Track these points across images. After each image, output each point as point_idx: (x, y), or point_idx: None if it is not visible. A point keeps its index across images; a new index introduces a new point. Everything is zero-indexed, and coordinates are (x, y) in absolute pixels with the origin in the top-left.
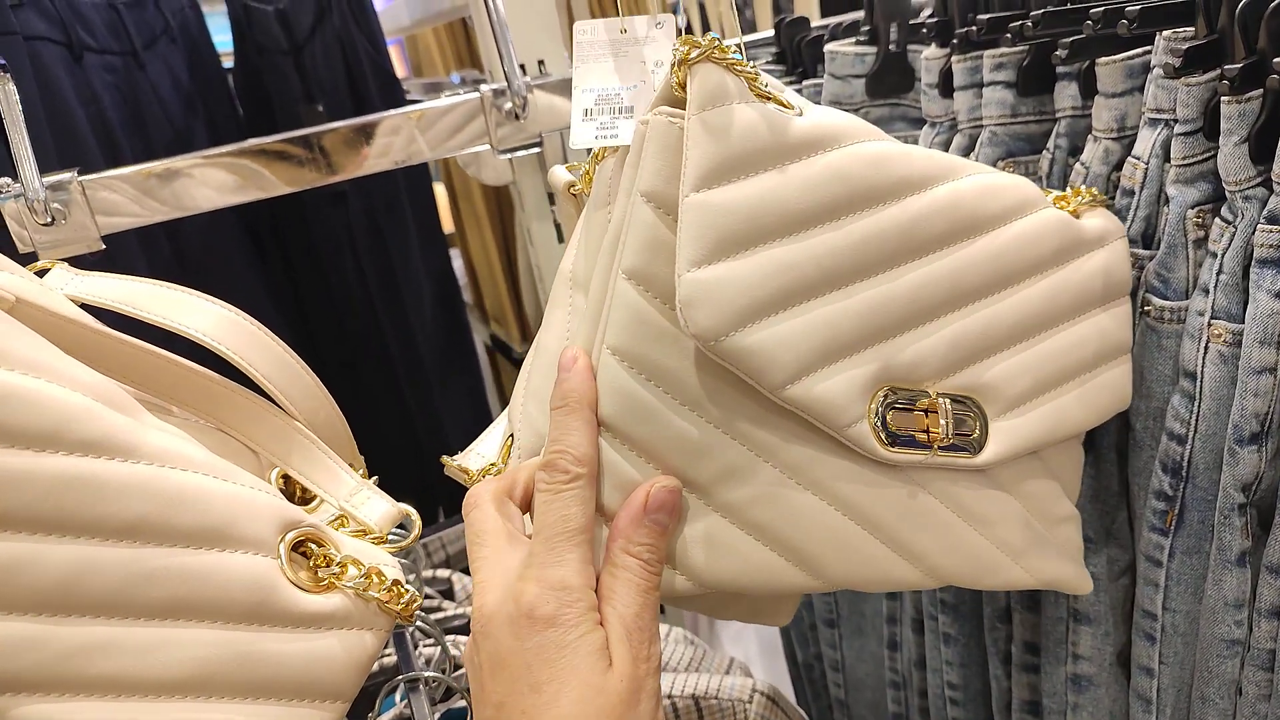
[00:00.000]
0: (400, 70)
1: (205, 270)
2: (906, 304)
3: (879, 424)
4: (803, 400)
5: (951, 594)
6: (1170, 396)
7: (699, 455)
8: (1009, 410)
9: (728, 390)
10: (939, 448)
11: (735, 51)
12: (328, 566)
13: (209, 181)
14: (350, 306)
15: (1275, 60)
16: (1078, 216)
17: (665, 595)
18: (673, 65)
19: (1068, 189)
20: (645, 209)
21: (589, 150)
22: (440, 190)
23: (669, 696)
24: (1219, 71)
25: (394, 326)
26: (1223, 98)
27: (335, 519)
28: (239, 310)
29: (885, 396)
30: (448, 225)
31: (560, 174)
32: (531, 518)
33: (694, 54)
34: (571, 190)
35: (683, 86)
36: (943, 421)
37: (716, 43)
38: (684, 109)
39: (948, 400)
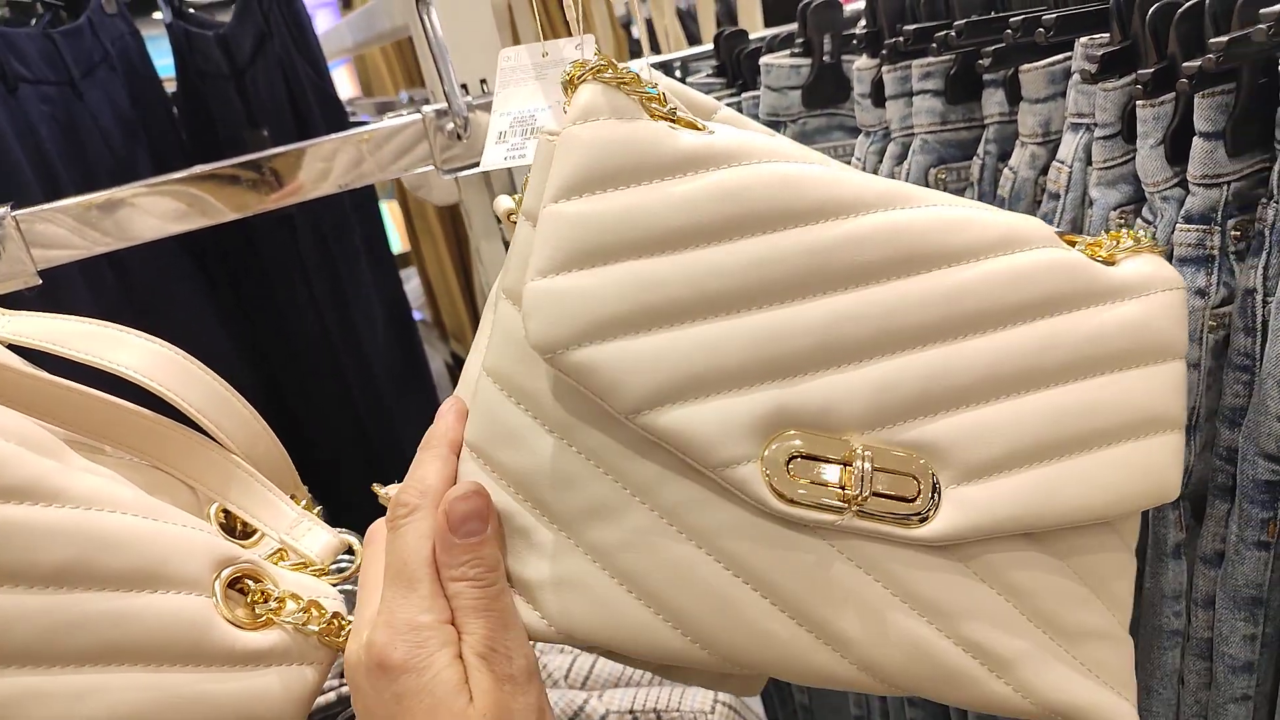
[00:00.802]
0: (351, 90)
1: (153, 301)
2: (819, 338)
3: (775, 472)
4: (664, 430)
5: None
6: None
7: (565, 487)
8: (972, 478)
9: (598, 417)
10: (856, 510)
11: (623, 75)
12: (265, 602)
13: (152, 210)
14: (303, 331)
15: (1184, 65)
16: (1113, 263)
17: (531, 632)
18: (564, 88)
19: (1104, 233)
20: (524, 227)
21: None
22: (395, 209)
23: (631, 711)
24: (1134, 76)
25: (347, 349)
26: (1138, 102)
27: (275, 552)
28: (169, 344)
29: (791, 441)
30: (404, 244)
31: (503, 203)
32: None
33: (579, 74)
34: (511, 218)
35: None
36: (858, 479)
37: (605, 62)
38: None
39: (869, 455)
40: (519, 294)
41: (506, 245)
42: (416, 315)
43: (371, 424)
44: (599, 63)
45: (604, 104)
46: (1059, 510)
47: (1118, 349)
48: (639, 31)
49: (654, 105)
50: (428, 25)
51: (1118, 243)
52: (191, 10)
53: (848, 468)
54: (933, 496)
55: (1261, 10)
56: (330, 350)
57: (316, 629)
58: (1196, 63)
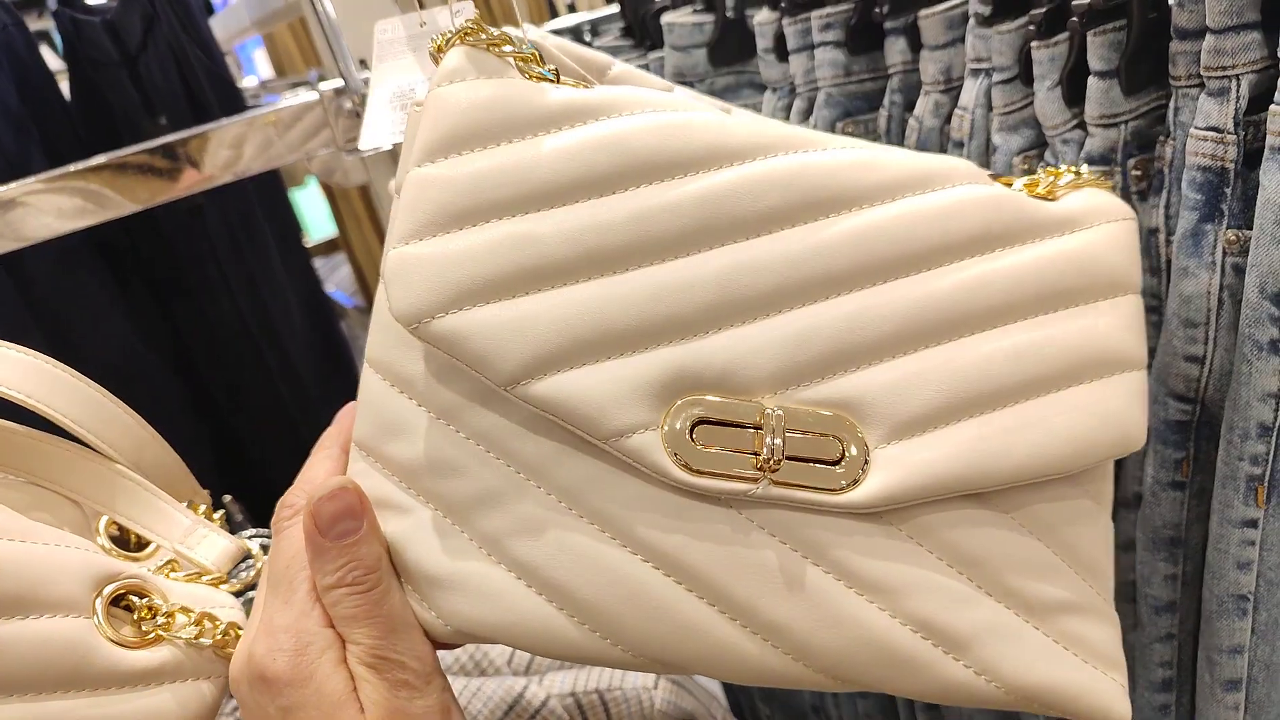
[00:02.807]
0: (268, 71)
1: (57, 303)
2: (715, 293)
3: (677, 440)
4: (546, 399)
5: None
6: None
7: (452, 474)
8: (903, 435)
9: (485, 397)
10: (772, 478)
11: (494, 38)
12: (152, 618)
13: (46, 208)
14: (221, 325)
15: (1074, 3)
16: (1053, 199)
17: (430, 635)
18: (431, 57)
19: (1041, 169)
20: (396, 201)
21: None
22: (320, 195)
23: (572, 694)
24: (1028, 17)
25: (267, 342)
26: (1032, 43)
27: (166, 564)
28: (36, 353)
29: (692, 407)
30: (331, 230)
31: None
32: None
33: (446, 40)
34: None
35: None
36: (770, 442)
37: (473, 26)
38: None
39: (782, 415)
40: None
41: None
42: (350, 302)
43: (298, 416)
44: (467, 27)
45: (470, 66)
46: (1011, 465)
47: (1061, 286)
48: None
49: (531, 65)
50: (316, 1)
51: (1056, 179)
52: None
53: (758, 432)
54: (861, 458)
55: None
56: (251, 344)
57: (210, 642)
58: (1086, 0)
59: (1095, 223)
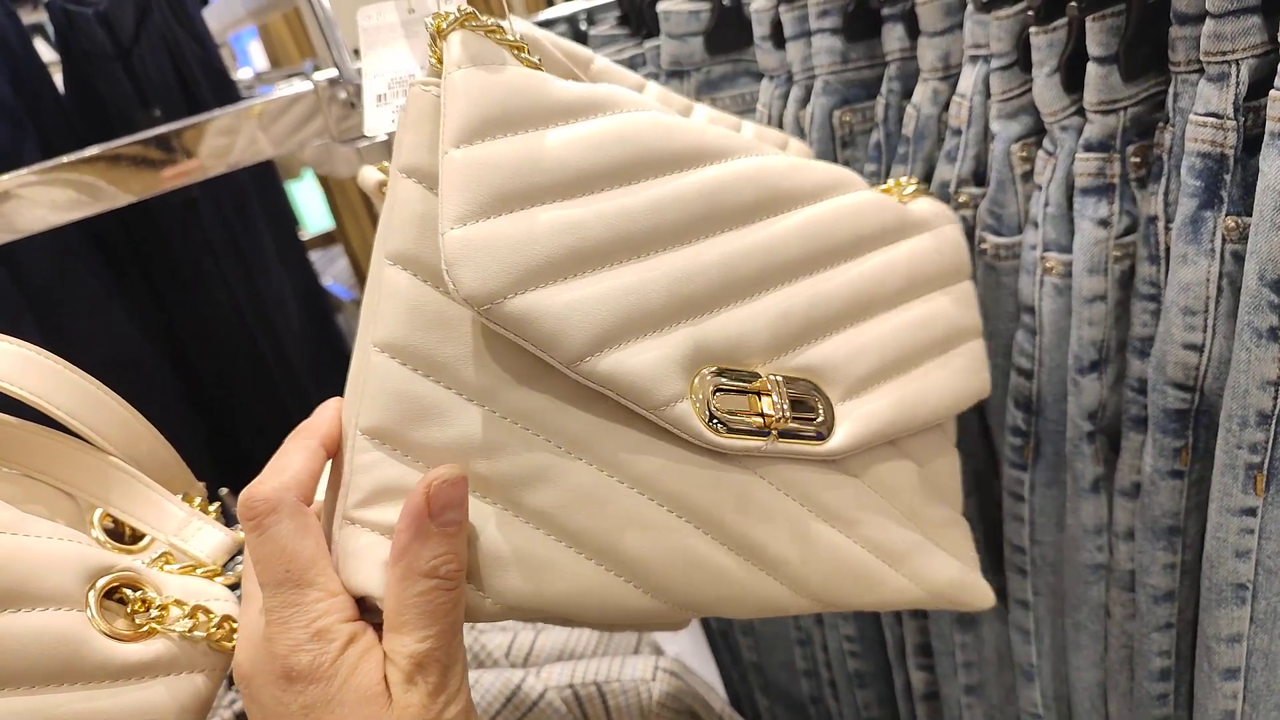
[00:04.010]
0: (263, 62)
1: (52, 295)
2: (719, 276)
3: (704, 407)
4: (608, 376)
5: None
6: (1014, 332)
7: (496, 456)
8: (854, 393)
9: (523, 377)
10: (778, 433)
11: (489, 25)
12: (145, 611)
13: (40, 200)
14: (217, 319)
15: None
16: (904, 204)
17: (473, 617)
18: (429, 40)
19: (890, 181)
20: (406, 184)
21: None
22: (317, 188)
23: (570, 686)
24: (1025, 3)
25: (262, 331)
26: (1031, 29)
27: (160, 556)
28: (31, 346)
29: (711, 377)
30: (328, 223)
31: (370, 175)
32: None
33: (446, 23)
34: (383, 190)
35: (440, 60)
36: (776, 402)
37: (470, 12)
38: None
39: (780, 381)
40: (415, 258)
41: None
42: (347, 295)
43: (294, 408)
44: (467, 11)
45: (479, 52)
46: (925, 413)
47: (930, 274)
48: None
49: (520, 54)
50: None
51: (902, 186)
52: None
53: (762, 396)
54: (830, 413)
55: None
56: (246, 336)
57: (203, 635)
58: None
59: (941, 225)
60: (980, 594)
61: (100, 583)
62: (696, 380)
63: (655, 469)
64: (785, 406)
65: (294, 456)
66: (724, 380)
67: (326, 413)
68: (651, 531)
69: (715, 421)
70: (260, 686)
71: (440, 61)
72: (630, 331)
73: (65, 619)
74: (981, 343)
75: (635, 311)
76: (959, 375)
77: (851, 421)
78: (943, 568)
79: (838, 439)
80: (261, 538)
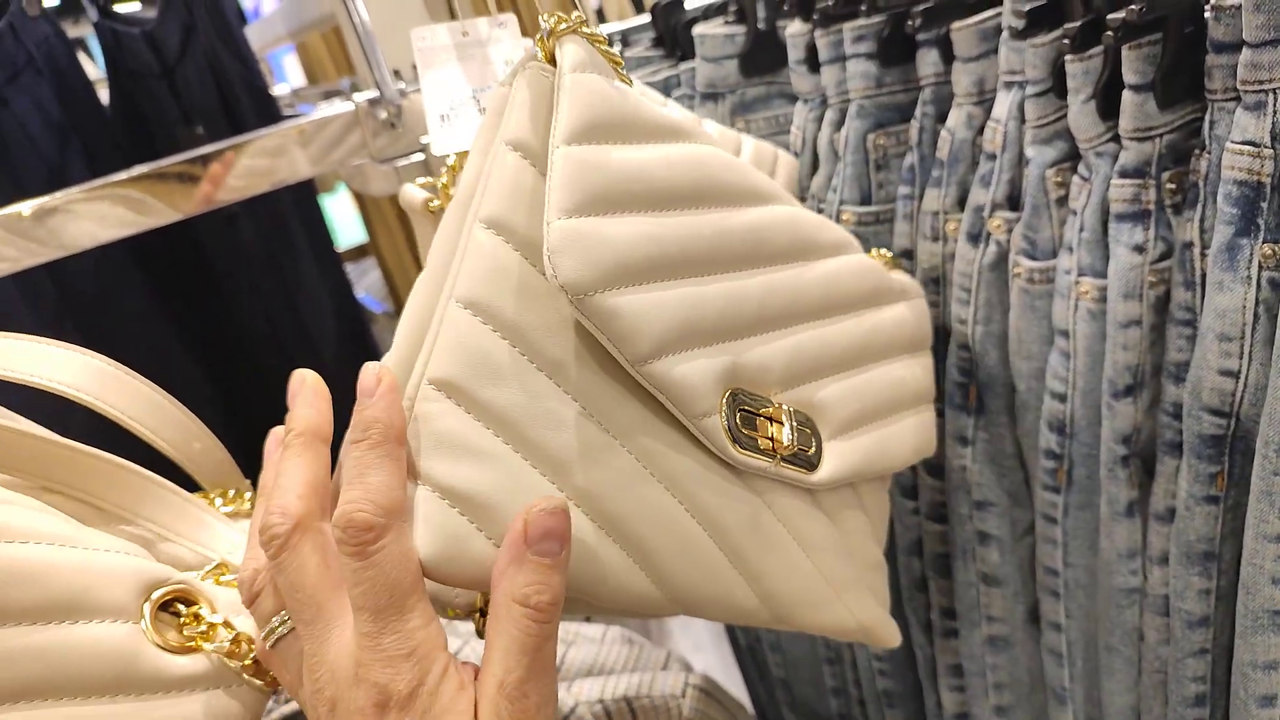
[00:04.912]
0: (300, 77)
1: (95, 308)
2: (757, 306)
3: (728, 423)
4: (664, 379)
5: None
6: (1049, 356)
7: (556, 427)
8: (840, 433)
9: (589, 359)
10: (782, 458)
11: (596, 36)
12: (196, 625)
13: (89, 216)
14: (254, 332)
15: (1109, 17)
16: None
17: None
18: (539, 36)
19: (872, 250)
20: (511, 155)
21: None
22: (350, 201)
23: (600, 701)
24: (1061, 31)
25: (301, 348)
26: (1066, 57)
27: (215, 567)
28: (95, 354)
29: (733, 397)
30: (360, 236)
31: (413, 193)
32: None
33: (561, 27)
34: (430, 208)
35: (550, 58)
36: (787, 430)
37: (584, 20)
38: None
39: (791, 410)
40: (509, 225)
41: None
42: (379, 307)
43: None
44: (579, 18)
45: (591, 60)
46: (887, 461)
47: (904, 339)
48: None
49: (620, 70)
50: (352, 10)
51: (882, 258)
52: (116, 10)
53: (773, 422)
54: (820, 447)
55: None
56: (283, 350)
57: (237, 666)
58: (1121, 14)
59: (913, 296)
60: (890, 633)
61: (155, 595)
62: (725, 397)
63: (680, 471)
64: (794, 437)
65: (386, 472)
66: (744, 402)
67: (386, 403)
68: (672, 528)
69: (735, 438)
70: (346, 714)
71: (550, 59)
72: (687, 342)
73: (122, 630)
74: (933, 410)
75: (693, 325)
76: (917, 433)
77: (835, 458)
78: (869, 604)
79: (824, 471)
80: (369, 562)
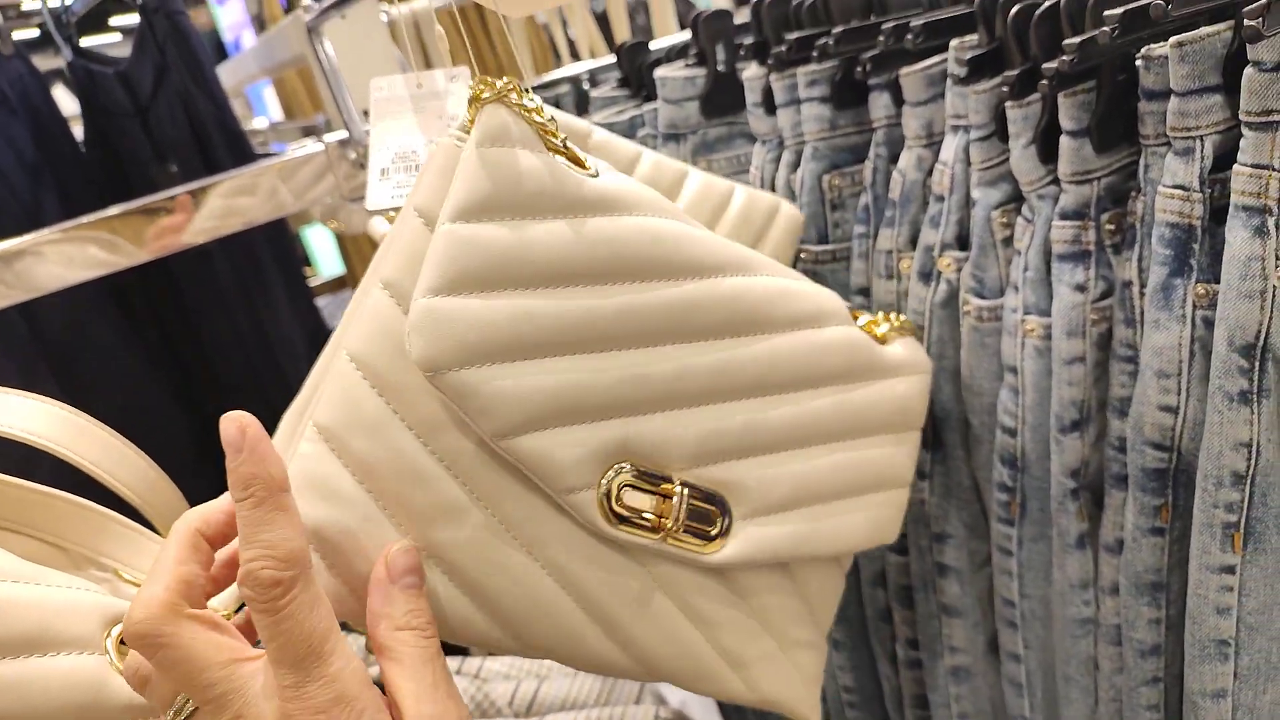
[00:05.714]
0: (274, 109)
1: (68, 344)
2: (664, 384)
3: (607, 497)
4: (523, 454)
5: None
6: (999, 391)
7: (415, 484)
8: (758, 515)
9: (459, 423)
10: (668, 536)
11: (525, 104)
12: None
13: (57, 259)
14: (227, 361)
15: (1045, 66)
16: (885, 342)
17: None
18: (469, 102)
19: (879, 314)
20: (415, 221)
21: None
22: (329, 233)
23: None
24: (1001, 78)
25: (271, 377)
26: (1007, 103)
27: None
28: (57, 402)
29: (624, 472)
30: (339, 268)
31: (380, 226)
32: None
33: (486, 93)
34: None
35: (473, 124)
36: (675, 510)
37: (513, 86)
38: None
39: (687, 489)
40: (402, 290)
41: None
42: None
43: None
44: (508, 85)
45: (511, 132)
46: (818, 547)
47: (885, 420)
48: (560, 38)
49: (549, 137)
50: (321, 55)
51: (889, 323)
52: (90, 49)
53: (667, 500)
54: (726, 528)
55: (1105, 12)
56: (258, 384)
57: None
58: (1054, 64)
59: (910, 373)
60: (807, 710)
61: (115, 630)
62: (611, 472)
63: (548, 537)
64: (681, 518)
65: (282, 525)
66: (637, 479)
67: (259, 456)
68: (528, 588)
69: (614, 514)
70: None
71: (473, 124)
72: (560, 419)
73: (90, 662)
74: (906, 493)
75: (570, 402)
76: (869, 521)
77: (743, 541)
78: (784, 683)
79: (724, 553)
80: (281, 615)
